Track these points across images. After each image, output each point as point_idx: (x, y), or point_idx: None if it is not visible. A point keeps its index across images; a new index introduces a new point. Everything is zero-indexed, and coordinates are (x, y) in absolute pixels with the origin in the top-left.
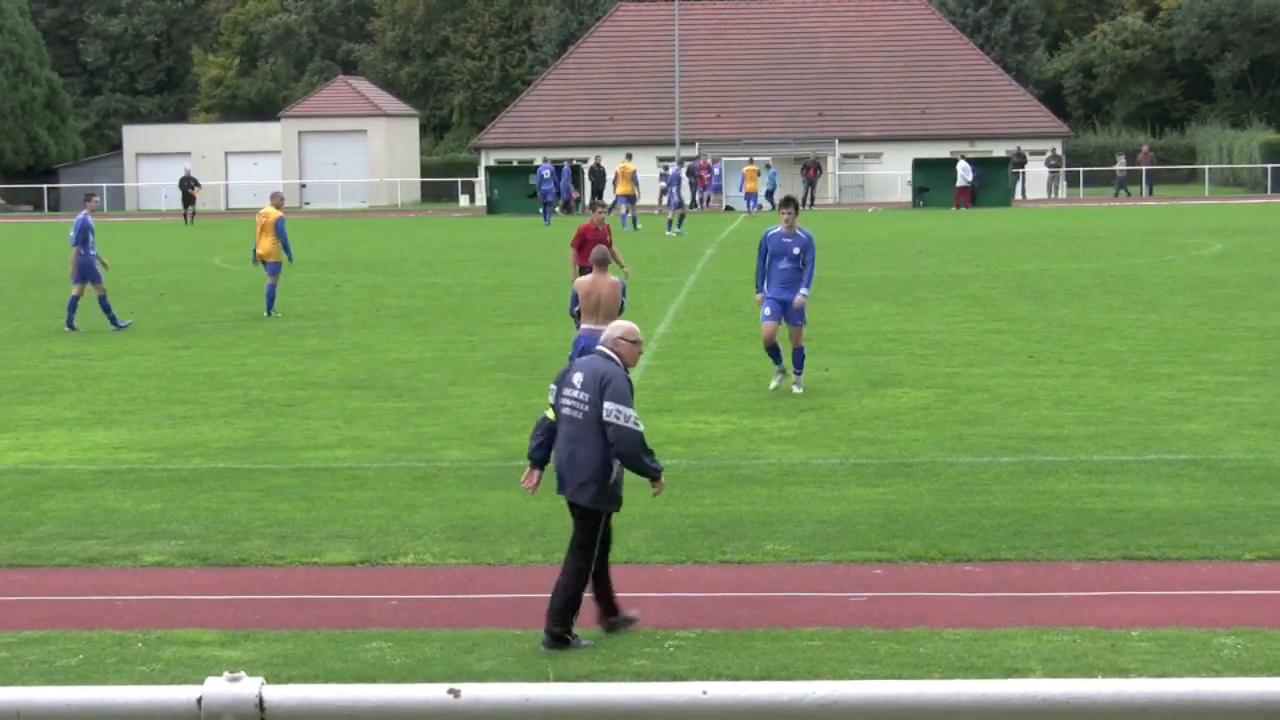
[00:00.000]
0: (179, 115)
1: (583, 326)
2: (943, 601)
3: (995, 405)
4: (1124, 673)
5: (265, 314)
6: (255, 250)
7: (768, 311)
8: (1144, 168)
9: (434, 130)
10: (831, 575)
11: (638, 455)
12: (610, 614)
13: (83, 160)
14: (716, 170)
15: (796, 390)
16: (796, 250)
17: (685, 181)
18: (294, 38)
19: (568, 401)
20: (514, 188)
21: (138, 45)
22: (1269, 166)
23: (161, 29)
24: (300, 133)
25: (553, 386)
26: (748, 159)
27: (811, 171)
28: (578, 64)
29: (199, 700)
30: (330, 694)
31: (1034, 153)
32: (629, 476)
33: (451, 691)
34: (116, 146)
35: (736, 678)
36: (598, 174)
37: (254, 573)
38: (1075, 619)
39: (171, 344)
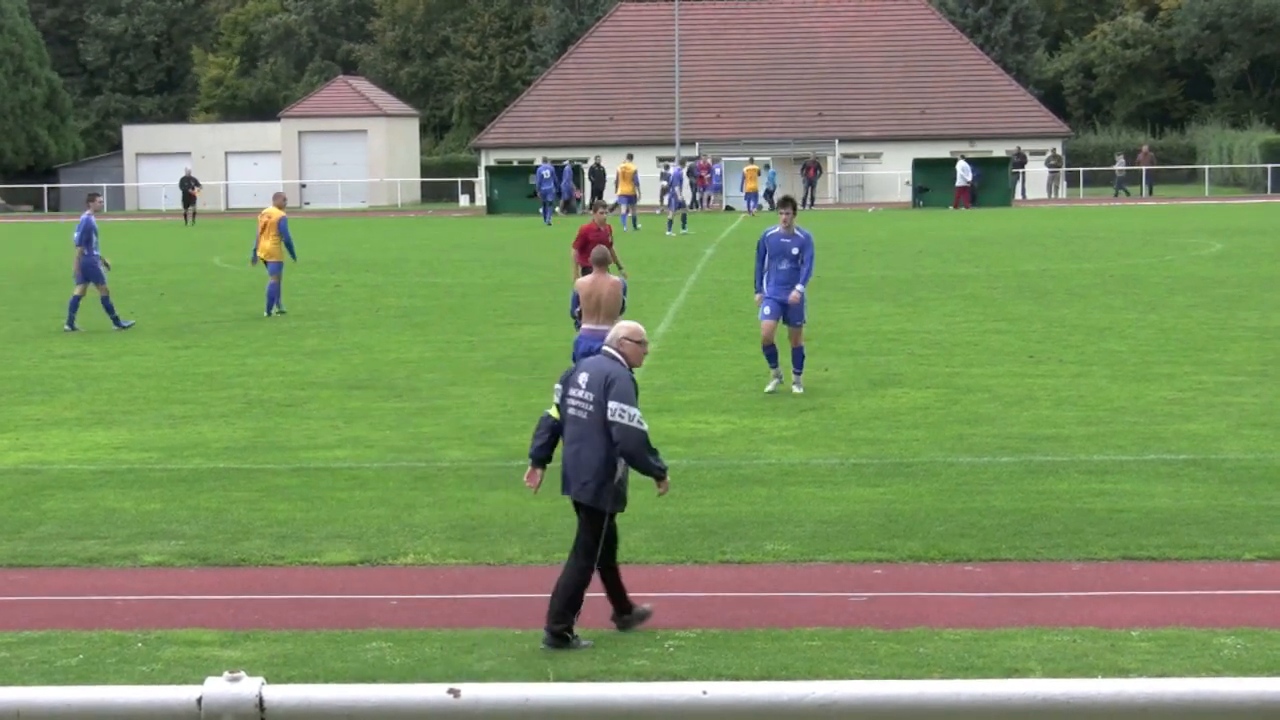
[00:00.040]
0: (179, 115)
1: (583, 327)
2: (943, 601)
3: (995, 405)
4: (1124, 673)
5: (265, 314)
6: (255, 250)
7: (767, 311)
8: (1144, 168)
9: (434, 130)
10: (831, 575)
11: (641, 454)
12: (624, 612)
13: (83, 160)
14: (717, 170)
15: (796, 390)
16: (795, 250)
17: (686, 181)
18: (294, 38)
19: (573, 402)
20: (514, 188)
21: (138, 45)
22: (1269, 166)
23: (161, 29)
24: (300, 133)
25: (558, 386)
26: (748, 159)
27: (811, 171)
28: (578, 64)
29: (199, 700)
30: (330, 694)
31: (1034, 153)
32: (634, 477)
33: (451, 691)
34: (116, 146)
35: (736, 678)
36: (598, 174)
37: (254, 573)
38: (1075, 619)
39: (171, 344)
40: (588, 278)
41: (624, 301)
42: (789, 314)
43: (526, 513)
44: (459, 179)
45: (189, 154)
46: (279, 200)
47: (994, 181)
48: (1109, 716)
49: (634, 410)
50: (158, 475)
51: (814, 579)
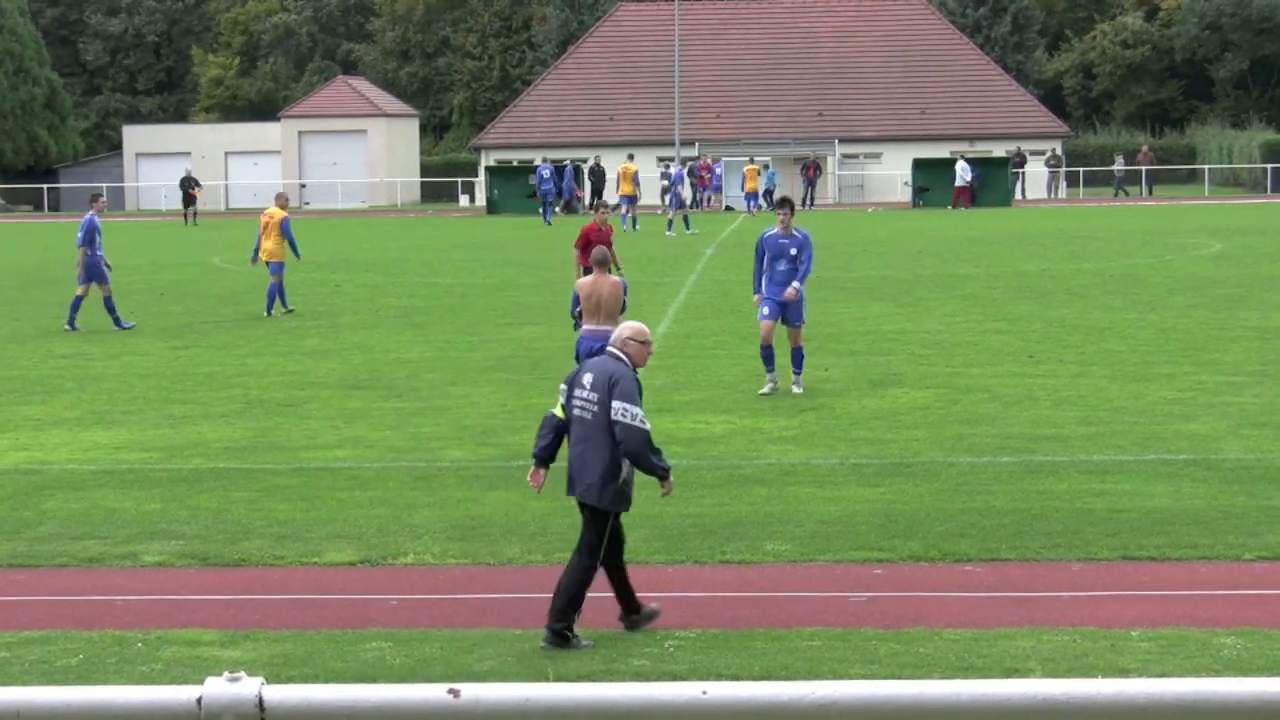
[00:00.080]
0: (179, 115)
1: (584, 327)
2: (943, 601)
3: (995, 405)
4: (1124, 673)
5: (265, 314)
6: (256, 250)
7: (765, 311)
8: (1143, 168)
9: (434, 130)
10: (831, 575)
11: (644, 454)
12: (631, 612)
13: (83, 160)
14: (717, 170)
15: (796, 390)
16: (793, 251)
17: (686, 181)
18: (294, 38)
19: (578, 402)
20: (514, 188)
21: (138, 45)
22: (1269, 166)
23: (161, 29)
24: (300, 133)
25: (563, 387)
26: (748, 159)
27: (811, 171)
28: (578, 64)
29: (199, 700)
30: (330, 694)
31: (1034, 153)
32: (639, 477)
33: (451, 691)
34: (116, 146)
35: (736, 678)
36: (597, 174)
37: (254, 573)
38: (1075, 619)
39: (171, 344)
40: (588, 278)
41: (624, 301)
42: (788, 314)
43: (526, 513)
44: (459, 179)
45: (189, 154)
46: (281, 200)
47: (994, 181)
48: (1109, 716)
49: (637, 410)
50: (158, 475)
51: (814, 579)
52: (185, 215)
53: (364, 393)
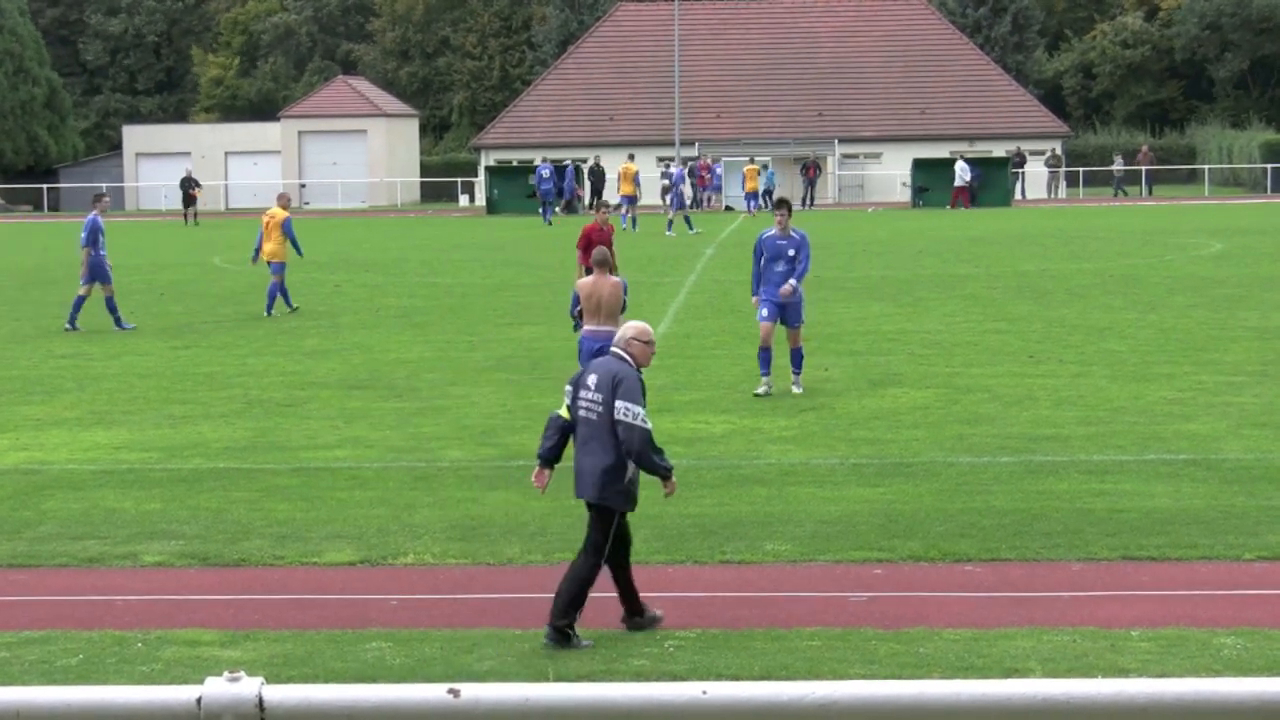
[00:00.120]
0: (179, 115)
1: (585, 328)
2: (943, 601)
3: (995, 405)
4: (1124, 673)
5: (266, 313)
6: (257, 250)
7: (765, 313)
8: (1143, 168)
9: (434, 130)
10: (831, 575)
11: (646, 453)
12: (635, 614)
13: (83, 160)
14: (718, 170)
15: (796, 390)
16: (791, 252)
17: (687, 181)
18: (294, 38)
19: (583, 403)
20: (514, 188)
21: (138, 45)
22: (1269, 166)
23: (161, 29)
24: (300, 133)
25: (568, 388)
26: (748, 159)
27: (811, 171)
28: (578, 64)
29: (199, 700)
30: (330, 694)
31: (1034, 153)
32: (645, 477)
33: (451, 691)
34: (116, 146)
35: (736, 678)
36: (597, 174)
37: (254, 573)
38: (1075, 619)
39: (171, 344)
40: (588, 279)
41: (624, 301)
42: (787, 315)
43: (526, 513)
44: (459, 179)
45: (189, 154)
46: (283, 200)
47: (994, 181)
48: (1109, 716)
49: (639, 409)
50: (158, 475)
51: (814, 579)
52: (185, 215)
53: (364, 393)
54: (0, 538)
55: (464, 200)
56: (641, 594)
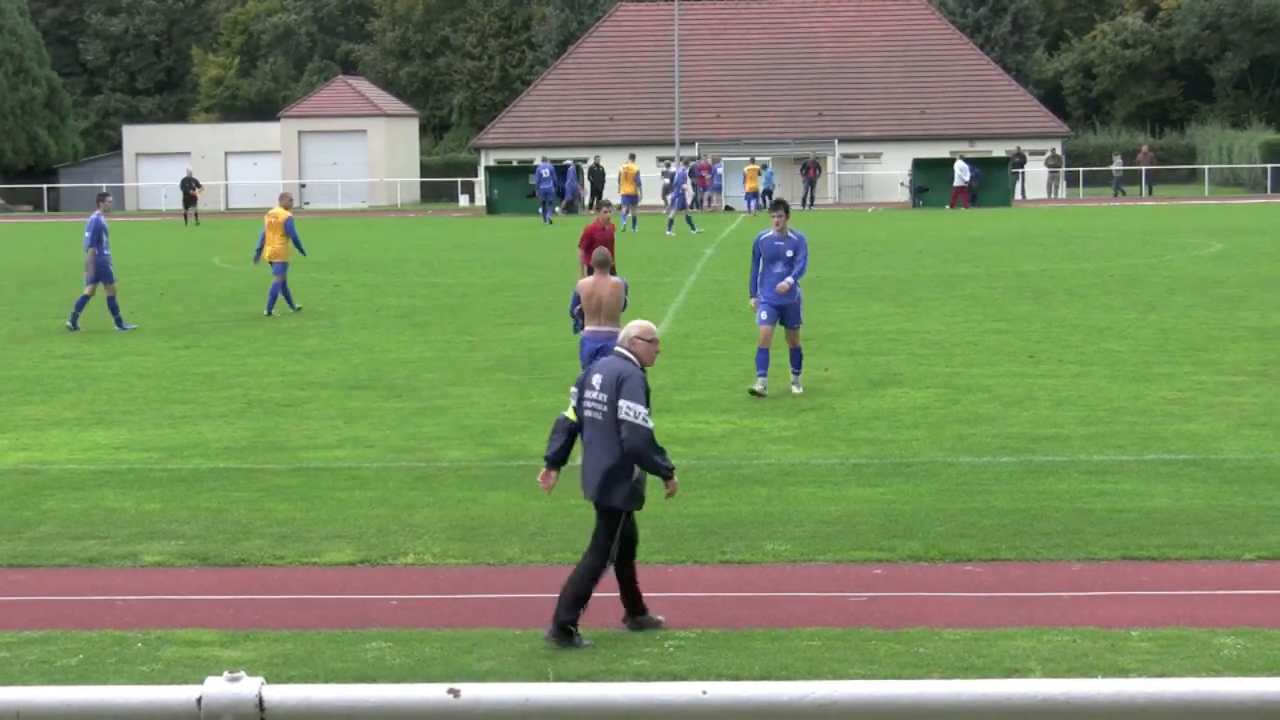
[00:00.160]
0: (179, 115)
1: (586, 328)
2: (943, 601)
3: (995, 405)
4: (1124, 673)
5: (266, 313)
6: (259, 250)
7: (764, 316)
8: (1143, 167)
9: (434, 130)
10: (831, 575)
11: (647, 453)
12: (636, 614)
13: (83, 160)
14: (718, 170)
15: (796, 390)
16: (789, 253)
17: (688, 181)
18: (294, 37)
19: (588, 403)
20: (514, 188)
21: (138, 45)
22: (1269, 166)
23: (161, 29)
24: (300, 133)
25: (574, 389)
26: (749, 159)
27: (811, 171)
28: (578, 64)
29: (199, 700)
30: (330, 694)
31: (1034, 153)
32: (652, 477)
33: (451, 691)
34: (116, 146)
35: (736, 678)
36: (597, 174)
37: (254, 573)
38: (1075, 619)
39: (171, 344)
40: (589, 279)
41: (625, 300)
42: (786, 317)
43: (526, 513)
44: (459, 179)
45: (189, 154)
46: (285, 200)
47: (994, 181)
48: (1109, 716)
49: (640, 408)
50: (158, 475)
51: (814, 579)
52: (185, 215)
53: (364, 393)
54: (0, 538)
55: (464, 200)
56: (642, 594)
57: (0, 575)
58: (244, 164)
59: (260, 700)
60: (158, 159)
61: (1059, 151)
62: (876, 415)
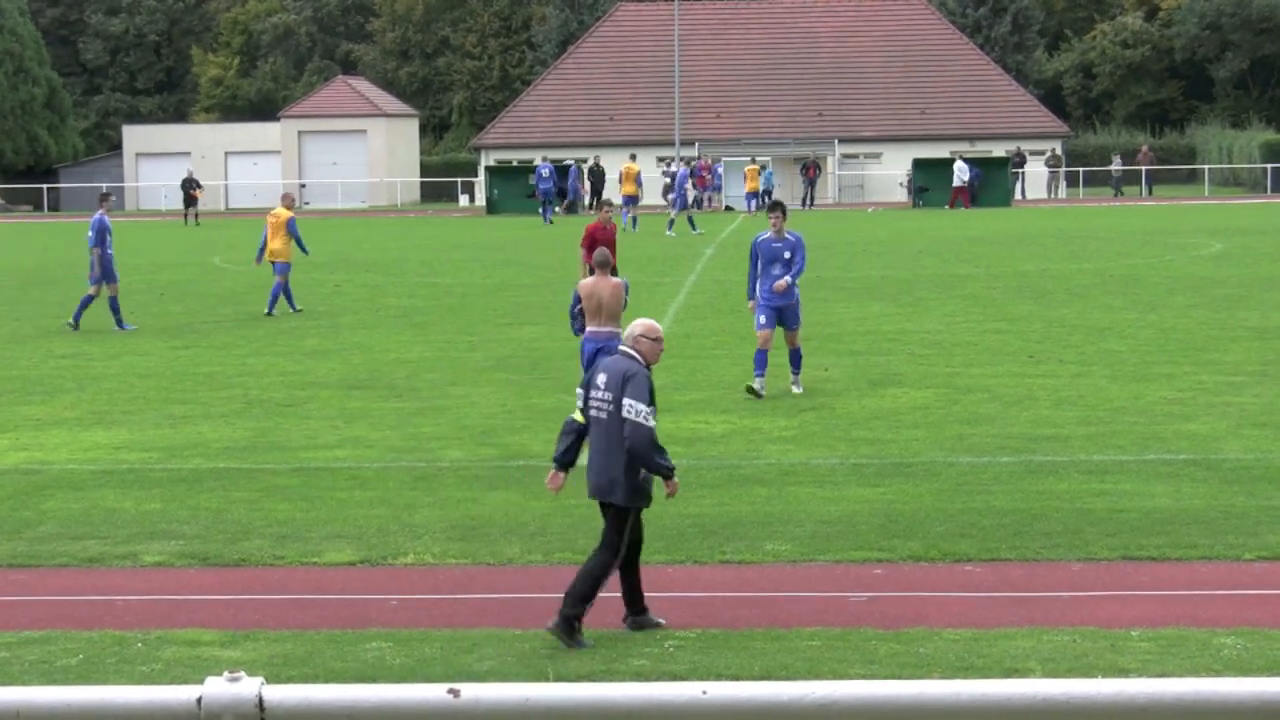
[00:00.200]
0: (179, 115)
1: (587, 329)
2: (943, 601)
3: (995, 405)
4: (1124, 673)
5: (268, 312)
6: (262, 250)
7: (763, 319)
8: (1142, 167)
9: (434, 130)
10: (831, 575)
11: (648, 451)
12: (637, 613)
13: (83, 160)
14: (719, 170)
15: (796, 390)
16: (787, 254)
17: (689, 181)
18: (294, 38)
19: (594, 402)
20: (514, 188)
21: (138, 45)
22: (1269, 166)
23: (162, 29)
24: (300, 133)
25: (580, 390)
26: (749, 159)
27: (811, 171)
28: (578, 64)
29: (199, 700)
30: (330, 694)
31: (1034, 153)
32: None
33: (451, 691)
34: (116, 146)
35: (736, 678)
36: (597, 174)
37: (254, 573)
38: (1075, 619)
39: (171, 344)
40: (589, 280)
41: (626, 301)
42: (785, 318)
43: (526, 513)
44: (459, 179)
45: (189, 154)
46: (287, 200)
47: (994, 181)
48: (1109, 716)
49: (643, 407)
50: (158, 475)
51: (814, 579)
52: (185, 215)
53: (364, 393)
54: (0, 538)
55: (464, 200)
56: (644, 594)
57: (0, 575)
58: (244, 164)
59: (260, 700)
60: (158, 159)
61: (1059, 151)
62: (876, 415)
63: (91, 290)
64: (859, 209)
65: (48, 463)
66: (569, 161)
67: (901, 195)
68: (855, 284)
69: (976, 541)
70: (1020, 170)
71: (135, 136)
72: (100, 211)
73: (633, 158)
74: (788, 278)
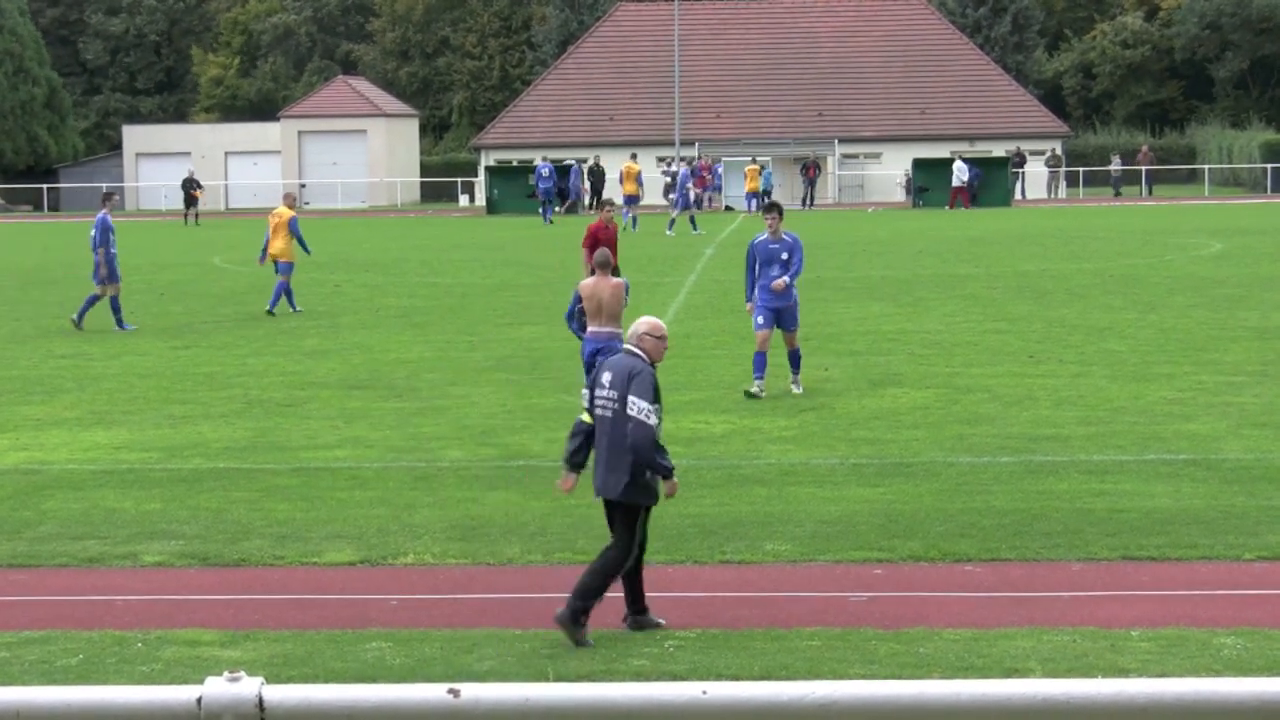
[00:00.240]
0: (179, 115)
1: (588, 329)
2: (943, 601)
3: (995, 405)
4: (1124, 673)
5: (269, 310)
6: (264, 250)
7: (760, 320)
8: (1142, 167)
9: (434, 130)
10: (831, 575)
11: (648, 449)
12: (638, 612)
13: (83, 160)
14: (719, 170)
15: (796, 390)
16: (784, 255)
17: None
18: (294, 38)
19: (600, 401)
20: (514, 188)
21: (138, 45)
22: (1269, 166)
23: (162, 29)
24: (300, 133)
25: (585, 391)
26: (750, 159)
27: (811, 171)
28: (578, 64)
29: (199, 700)
30: (330, 694)
31: (1034, 153)
32: None
33: (451, 691)
34: (116, 146)
35: (736, 678)
36: (597, 174)
37: (254, 573)
38: (1075, 619)
39: (171, 344)
40: (590, 280)
41: (626, 301)
42: (783, 320)
43: (526, 513)
44: (459, 179)
45: (189, 154)
46: (289, 200)
47: (994, 181)
48: (1109, 716)
49: (645, 405)
50: (158, 475)
51: (814, 579)
52: (185, 215)
53: (364, 393)
54: (0, 538)
55: (464, 200)
56: (645, 594)
57: (0, 575)
58: (244, 164)
59: (260, 700)
60: (158, 159)
61: (1059, 151)
62: (876, 415)
63: (97, 290)
64: (859, 209)
65: (48, 463)
66: (569, 161)
67: (901, 195)
68: (855, 284)
69: (976, 541)
70: (1020, 170)
71: (135, 136)
72: (104, 211)
73: (633, 157)
74: (785, 278)
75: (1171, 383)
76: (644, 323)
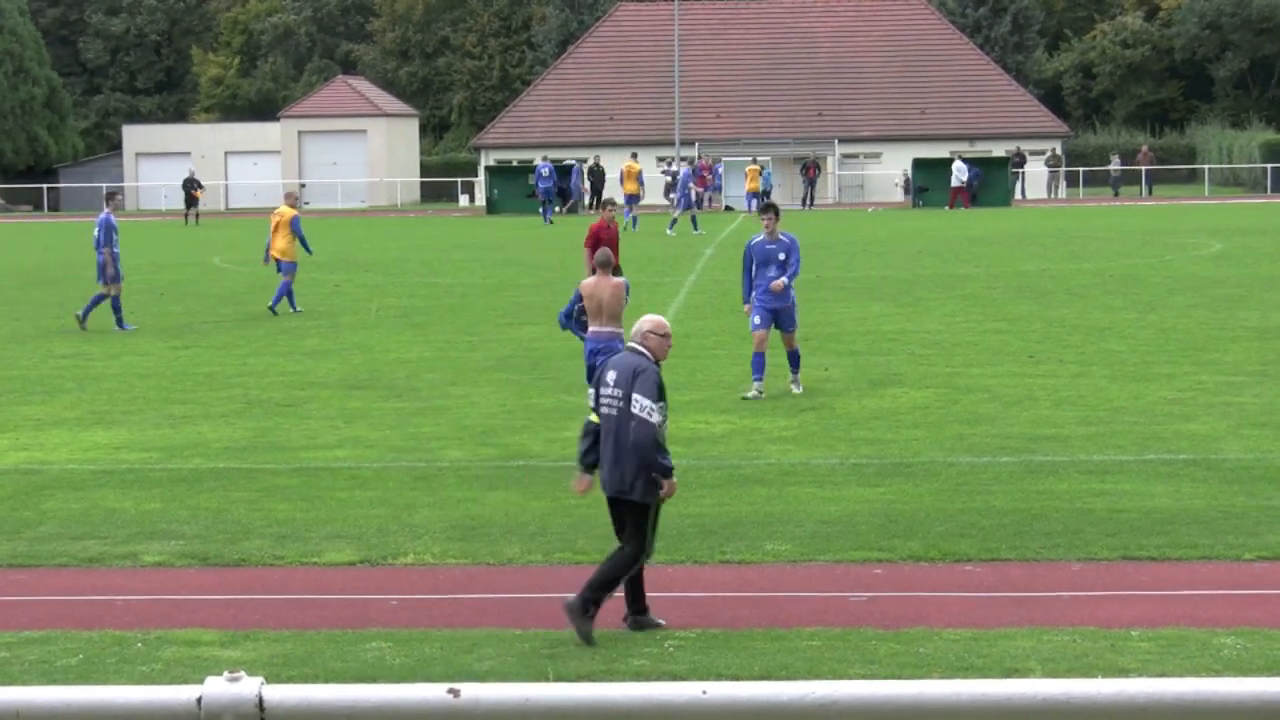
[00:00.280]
0: (179, 115)
1: (589, 329)
2: (943, 601)
3: (995, 405)
4: (1124, 673)
5: (271, 308)
6: (268, 250)
7: (757, 320)
8: (1142, 167)
9: (434, 130)
10: (831, 575)
11: (650, 447)
12: (638, 612)
13: (83, 160)
14: (719, 170)
15: (795, 390)
16: (782, 256)
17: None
18: (294, 38)
19: (604, 399)
20: (514, 188)
21: (138, 45)
22: (1269, 166)
23: (162, 28)
24: (300, 133)
25: (590, 391)
26: (750, 159)
27: (811, 171)
28: (578, 64)
29: (199, 700)
30: (330, 694)
31: (1034, 153)
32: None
33: (451, 691)
34: (116, 146)
35: (736, 678)
36: (597, 174)
37: (254, 573)
38: (1075, 619)
39: (171, 344)
40: (590, 280)
41: (626, 301)
42: (781, 320)
43: (526, 513)
44: (459, 179)
45: (189, 154)
46: (290, 199)
47: (993, 181)
48: (1109, 716)
49: (648, 403)
50: (158, 475)
51: (814, 579)
52: (186, 215)
53: (364, 393)
54: (0, 538)
55: (464, 200)
56: (646, 594)
57: (0, 575)
58: (244, 164)
59: (260, 700)
60: (158, 159)
61: (1059, 151)
62: (876, 415)
63: (101, 289)
64: (859, 209)
65: (48, 463)
66: (570, 161)
67: (901, 195)
68: (855, 284)
69: (976, 541)
70: (1020, 170)
71: (135, 136)
72: (107, 210)
73: (634, 156)
74: (783, 278)
75: (1171, 383)
76: (648, 321)
